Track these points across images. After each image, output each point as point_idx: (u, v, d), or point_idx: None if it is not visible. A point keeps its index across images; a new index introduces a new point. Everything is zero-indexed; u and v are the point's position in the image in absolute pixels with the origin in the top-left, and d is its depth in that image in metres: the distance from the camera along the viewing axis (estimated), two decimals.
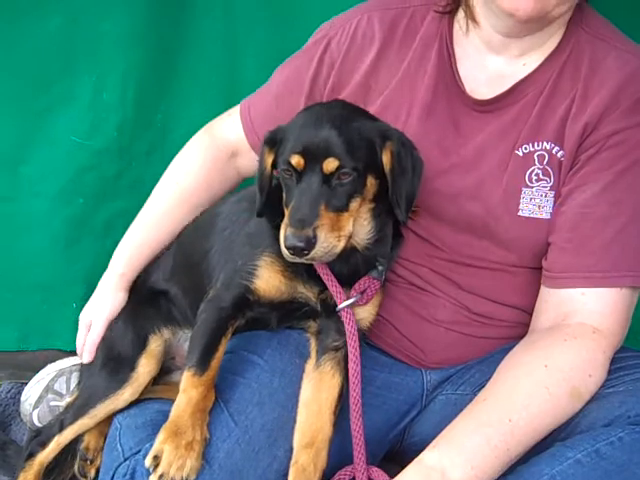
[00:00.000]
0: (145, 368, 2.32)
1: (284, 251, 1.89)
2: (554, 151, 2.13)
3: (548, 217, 2.14)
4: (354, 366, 2.04)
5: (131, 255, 2.52)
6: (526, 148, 2.15)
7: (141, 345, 2.35)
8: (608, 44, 2.14)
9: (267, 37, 2.94)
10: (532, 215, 2.15)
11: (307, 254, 1.87)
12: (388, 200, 2.02)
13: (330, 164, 1.92)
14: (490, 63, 2.22)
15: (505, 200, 2.16)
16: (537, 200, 2.15)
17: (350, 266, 2.08)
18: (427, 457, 1.93)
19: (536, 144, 2.14)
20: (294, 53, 2.54)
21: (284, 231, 1.89)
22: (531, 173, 2.15)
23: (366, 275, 2.09)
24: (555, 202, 2.14)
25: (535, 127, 2.14)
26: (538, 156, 2.14)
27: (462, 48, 2.24)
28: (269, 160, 2.06)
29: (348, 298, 2.06)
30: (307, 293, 2.10)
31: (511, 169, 2.16)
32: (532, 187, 2.15)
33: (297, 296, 2.10)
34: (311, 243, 1.86)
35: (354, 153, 1.94)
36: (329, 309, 2.10)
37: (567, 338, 2.02)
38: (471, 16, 2.21)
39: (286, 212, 1.94)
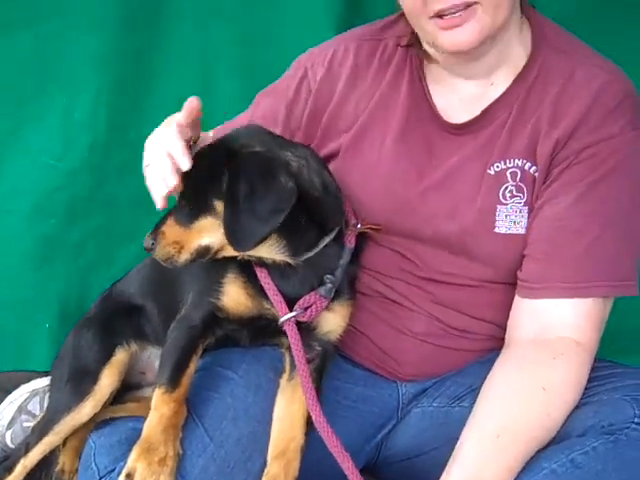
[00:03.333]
0: (107, 379, 2.30)
1: None
2: (526, 167, 2.15)
3: (523, 232, 2.16)
4: (303, 374, 2.03)
5: None
6: (498, 166, 2.17)
7: (106, 357, 2.33)
8: (575, 59, 2.16)
9: (239, 56, 2.96)
10: (508, 231, 2.16)
11: (153, 254, 2.06)
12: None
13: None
14: (460, 87, 2.24)
15: (481, 218, 2.17)
16: (512, 216, 2.16)
17: (299, 283, 2.09)
18: None
19: (508, 161, 2.16)
20: (265, 73, 2.55)
21: None
22: (505, 190, 2.16)
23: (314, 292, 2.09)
24: (529, 217, 2.15)
25: (505, 145, 2.16)
26: (510, 173, 2.16)
27: (432, 73, 2.27)
28: None
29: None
30: (272, 310, 2.10)
31: (485, 188, 2.17)
32: (507, 204, 2.16)
33: (264, 312, 2.11)
34: (152, 246, 2.04)
35: (194, 175, 2.02)
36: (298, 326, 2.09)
37: (555, 356, 2.02)
38: (424, 54, 2.26)
39: None
